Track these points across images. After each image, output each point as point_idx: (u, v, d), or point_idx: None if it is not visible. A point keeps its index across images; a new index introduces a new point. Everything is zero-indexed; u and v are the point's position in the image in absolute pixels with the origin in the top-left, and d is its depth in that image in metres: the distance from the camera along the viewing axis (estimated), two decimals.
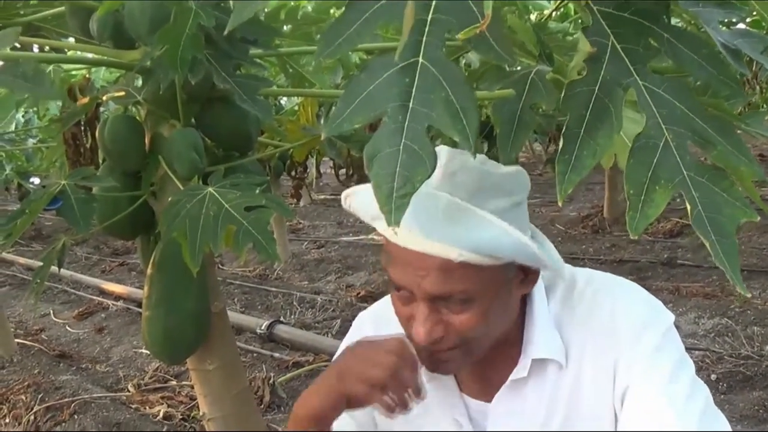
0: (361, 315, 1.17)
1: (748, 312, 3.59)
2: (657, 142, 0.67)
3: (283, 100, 4.32)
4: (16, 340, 4.26)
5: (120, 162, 1.63)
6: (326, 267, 5.68)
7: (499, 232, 0.84)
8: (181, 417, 3.11)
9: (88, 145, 1.88)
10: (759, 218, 0.67)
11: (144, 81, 1.60)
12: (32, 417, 3.18)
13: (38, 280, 1.61)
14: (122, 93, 1.58)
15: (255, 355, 3.76)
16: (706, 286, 4.21)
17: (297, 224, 7.89)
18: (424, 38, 0.61)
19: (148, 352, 2.79)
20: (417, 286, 0.88)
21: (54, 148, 2.51)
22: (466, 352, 0.93)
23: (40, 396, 3.34)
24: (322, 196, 9.58)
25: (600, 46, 0.70)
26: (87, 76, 2.31)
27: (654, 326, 0.94)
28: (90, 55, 1.80)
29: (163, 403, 3.23)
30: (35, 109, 4.26)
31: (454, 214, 0.85)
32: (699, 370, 0.98)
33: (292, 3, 2.31)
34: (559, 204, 0.69)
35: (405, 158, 0.59)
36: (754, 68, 4.09)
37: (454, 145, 0.72)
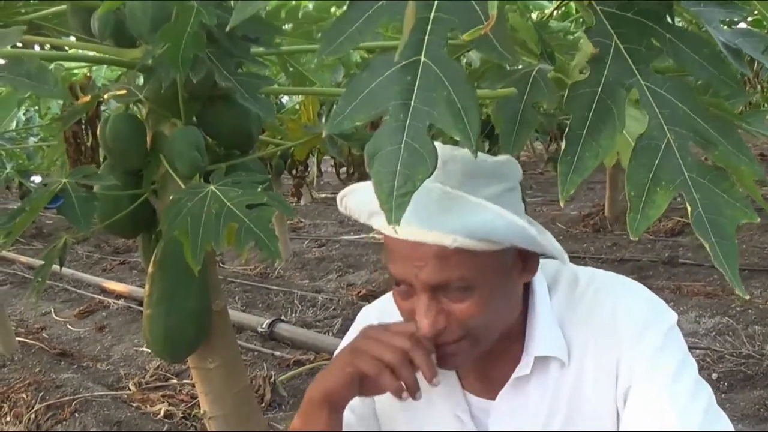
0: (366, 308, 1.18)
1: (749, 311, 3.59)
2: (659, 143, 0.67)
3: (285, 99, 4.31)
4: (17, 339, 4.26)
5: (121, 160, 1.63)
6: (327, 265, 5.68)
7: (492, 216, 0.84)
8: (182, 415, 3.12)
9: (89, 144, 1.87)
10: (759, 219, 0.67)
11: (145, 79, 1.60)
12: (33, 415, 3.18)
13: (39, 279, 1.61)
14: (123, 91, 1.58)
15: (256, 353, 3.76)
16: (707, 285, 4.21)
17: (298, 223, 7.89)
18: (426, 37, 0.61)
19: (149, 350, 2.80)
20: (415, 277, 0.88)
21: (55, 146, 2.50)
22: (473, 344, 0.92)
23: (41, 394, 3.34)
24: (323, 195, 9.57)
25: (603, 47, 0.69)
26: (88, 74, 2.31)
27: (656, 326, 0.94)
28: (91, 54, 1.80)
29: (164, 402, 3.23)
30: (36, 107, 4.26)
31: (448, 202, 0.86)
32: (700, 369, 0.98)
33: (293, 2, 2.30)
34: (561, 204, 0.69)
35: (406, 156, 0.59)
36: (755, 67, 4.09)
37: (455, 144, 0.72)
